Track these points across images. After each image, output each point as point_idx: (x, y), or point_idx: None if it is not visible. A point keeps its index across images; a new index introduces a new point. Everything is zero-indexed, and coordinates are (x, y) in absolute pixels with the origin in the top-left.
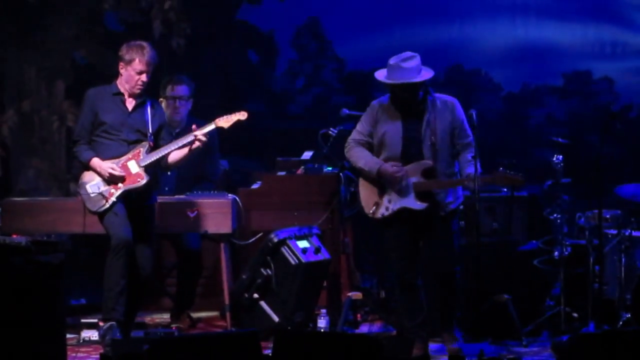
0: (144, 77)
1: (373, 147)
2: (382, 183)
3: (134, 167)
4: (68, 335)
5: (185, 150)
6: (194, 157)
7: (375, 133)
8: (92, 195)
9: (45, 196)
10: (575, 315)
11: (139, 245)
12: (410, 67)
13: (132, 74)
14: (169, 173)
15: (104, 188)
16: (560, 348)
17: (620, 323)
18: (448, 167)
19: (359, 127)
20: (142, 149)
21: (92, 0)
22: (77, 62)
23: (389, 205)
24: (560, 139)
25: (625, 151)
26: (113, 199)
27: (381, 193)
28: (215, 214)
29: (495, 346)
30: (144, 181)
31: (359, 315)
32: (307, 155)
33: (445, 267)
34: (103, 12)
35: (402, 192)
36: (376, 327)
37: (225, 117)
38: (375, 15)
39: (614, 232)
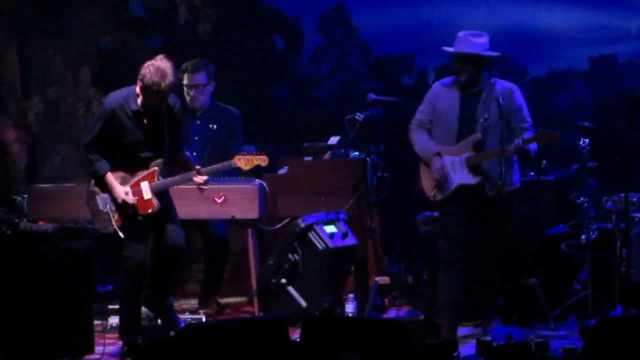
0: (163, 101)
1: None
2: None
3: (146, 191)
4: (95, 322)
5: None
6: (217, 140)
7: (435, 112)
8: (101, 210)
9: (71, 183)
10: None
11: (164, 226)
12: (477, 42)
13: (151, 97)
14: (194, 154)
15: (113, 208)
16: (587, 332)
17: None
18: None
19: (421, 106)
20: (157, 168)
21: None
22: (102, 48)
23: (446, 185)
24: (586, 123)
25: None
26: (118, 226)
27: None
28: (243, 199)
29: (522, 330)
30: (154, 211)
31: (386, 300)
32: (333, 140)
33: (491, 248)
34: None
35: (456, 170)
36: (404, 311)
37: (245, 157)
38: (399, 1)
39: None
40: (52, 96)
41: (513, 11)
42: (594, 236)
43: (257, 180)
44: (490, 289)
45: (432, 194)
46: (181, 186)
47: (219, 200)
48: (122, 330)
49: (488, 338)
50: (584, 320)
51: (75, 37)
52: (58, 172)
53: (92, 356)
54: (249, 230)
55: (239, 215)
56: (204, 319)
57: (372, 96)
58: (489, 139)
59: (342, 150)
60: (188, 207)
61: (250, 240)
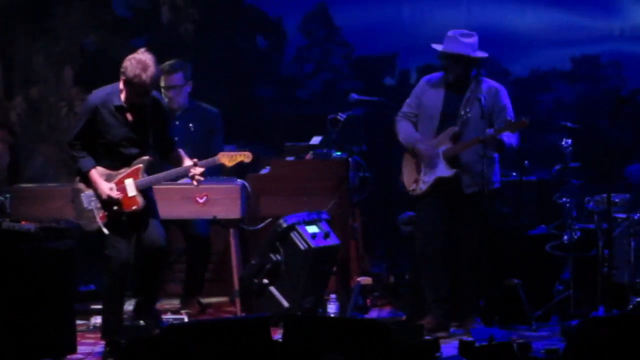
0: (145, 95)
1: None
2: (419, 159)
3: (131, 188)
4: (78, 322)
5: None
6: (198, 139)
7: (421, 104)
8: (85, 208)
9: (54, 182)
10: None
11: (146, 225)
12: (467, 43)
13: (133, 91)
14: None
15: (97, 205)
16: (569, 332)
17: (630, 307)
18: (483, 148)
19: (407, 100)
20: (141, 165)
21: None
22: (86, 48)
23: (424, 178)
24: (569, 124)
25: (633, 135)
26: (103, 224)
27: (418, 169)
28: (225, 199)
29: (505, 330)
30: (139, 209)
31: (368, 301)
32: (315, 140)
33: (470, 246)
34: None
35: (434, 164)
36: (385, 312)
37: (229, 154)
38: (383, 1)
39: (623, 215)
40: (35, 96)
41: (496, 11)
42: (576, 237)
43: (239, 180)
44: (470, 288)
45: (411, 188)
46: (164, 185)
47: (201, 200)
48: (105, 330)
49: (470, 339)
50: (566, 321)
51: (58, 36)
52: (40, 172)
53: (74, 356)
54: (231, 230)
55: (221, 215)
56: (186, 319)
57: (354, 96)
58: (468, 134)
59: (325, 150)
60: (170, 207)
61: (232, 240)
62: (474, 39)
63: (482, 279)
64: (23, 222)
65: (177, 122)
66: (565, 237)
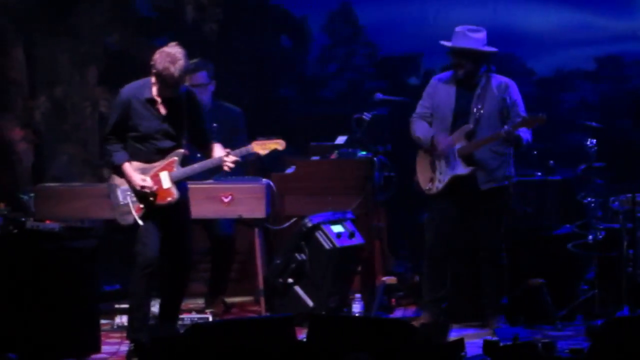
0: (175, 88)
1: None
2: (434, 158)
3: (165, 180)
4: (102, 321)
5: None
6: (221, 138)
7: (432, 106)
8: (121, 203)
9: (78, 182)
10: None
11: (176, 237)
12: (475, 38)
13: (163, 85)
14: (198, 155)
15: (133, 199)
16: (594, 332)
17: None
18: (498, 145)
19: (421, 100)
20: (176, 158)
21: None
22: (109, 48)
23: (440, 177)
24: (593, 123)
25: None
26: (140, 215)
27: (434, 168)
28: (249, 198)
29: (529, 330)
30: (174, 200)
31: (393, 300)
32: (340, 140)
33: (487, 243)
34: None
35: (449, 162)
36: (410, 311)
37: (262, 142)
38: (407, 1)
39: None
40: (59, 95)
41: (521, 11)
42: (600, 236)
43: (264, 179)
44: (490, 285)
45: (427, 187)
46: (188, 185)
47: (226, 200)
48: (130, 327)
49: (495, 338)
50: (590, 321)
51: (82, 36)
52: (64, 172)
53: (98, 355)
54: (256, 230)
55: (246, 214)
56: (210, 319)
57: (379, 96)
58: (481, 131)
59: (349, 150)
60: (195, 207)
61: (257, 240)
62: (482, 34)
63: (501, 276)
64: (47, 222)
65: None
66: (590, 237)
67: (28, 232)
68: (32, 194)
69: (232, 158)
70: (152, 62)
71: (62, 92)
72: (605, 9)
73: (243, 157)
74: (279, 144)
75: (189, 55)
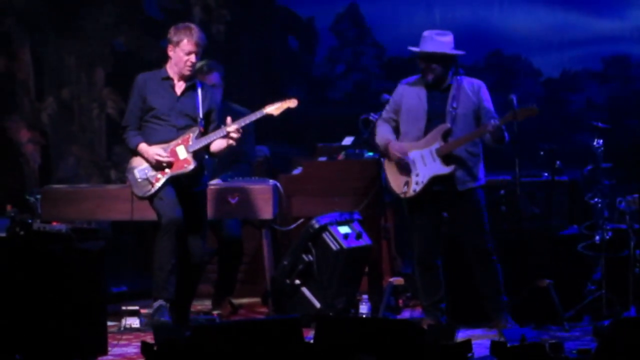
0: (192, 58)
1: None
2: (407, 163)
3: (182, 152)
4: (109, 323)
5: (225, 140)
6: None
7: (401, 109)
8: (139, 180)
9: (85, 183)
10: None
11: (190, 232)
12: (443, 41)
13: (180, 55)
14: (206, 156)
15: (151, 173)
16: (601, 332)
17: None
18: (472, 145)
19: (387, 105)
20: (191, 134)
21: None
22: (117, 49)
23: (417, 179)
24: (600, 124)
25: None
26: (159, 184)
27: (407, 171)
28: (257, 200)
29: (537, 331)
30: (191, 167)
31: (400, 301)
32: (347, 140)
33: (473, 244)
34: None
35: (427, 163)
36: (418, 312)
37: (275, 104)
38: (414, 2)
39: None
40: (66, 97)
41: (526, 12)
42: (608, 237)
43: (271, 180)
44: (489, 287)
45: (403, 191)
46: None
47: (232, 201)
48: (154, 288)
49: (502, 339)
50: (598, 321)
51: (90, 37)
52: (72, 173)
53: (105, 357)
54: (263, 231)
55: (253, 215)
56: (217, 320)
57: (386, 96)
58: (457, 130)
59: (357, 151)
60: None
61: (264, 241)
62: (449, 37)
63: (496, 274)
64: (54, 223)
65: None
66: (597, 238)
67: (35, 234)
68: (39, 196)
69: (233, 127)
70: (168, 38)
71: (69, 93)
72: (612, 10)
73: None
74: (291, 102)
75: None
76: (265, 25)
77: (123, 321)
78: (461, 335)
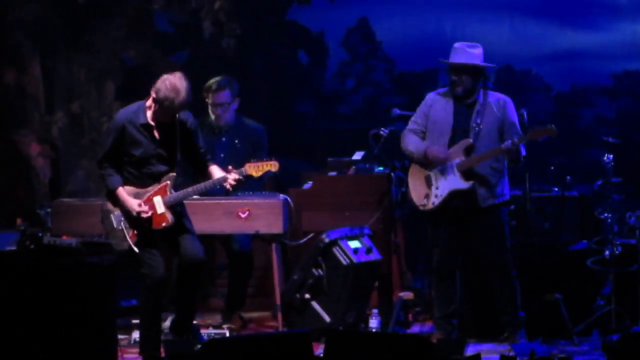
0: (172, 118)
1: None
2: (429, 175)
3: (159, 205)
4: (119, 337)
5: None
6: (243, 155)
7: (428, 122)
8: (116, 228)
9: (95, 197)
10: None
11: (182, 238)
12: (474, 53)
13: (161, 112)
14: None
15: (126, 225)
16: (610, 347)
17: None
18: (496, 161)
19: (413, 117)
20: (169, 182)
21: (142, 1)
22: (126, 63)
23: (437, 192)
24: (610, 139)
25: None
26: (134, 242)
27: (429, 184)
28: (267, 214)
29: (546, 345)
30: (168, 225)
31: (410, 316)
32: (358, 155)
33: (492, 260)
34: (152, 12)
35: (447, 177)
36: (427, 327)
37: (255, 164)
38: (425, 16)
39: None
40: (76, 110)
41: (537, 27)
42: (617, 252)
43: (281, 195)
44: (508, 303)
45: (422, 203)
46: (206, 200)
47: (243, 215)
48: (143, 346)
49: (512, 353)
50: (607, 336)
51: (100, 51)
52: (82, 187)
53: None
54: (273, 245)
55: (263, 229)
56: (227, 334)
57: (396, 111)
58: (480, 146)
59: (367, 165)
60: (212, 222)
61: (274, 255)
62: (480, 50)
63: (514, 290)
64: (64, 237)
65: (223, 139)
66: (607, 252)
67: (45, 248)
68: (49, 209)
69: (234, 176)
70: (154, 88)
71: (79, 107)
72: (622, 26)
73: (243, 176)
74: (272, 165)
75: (208, 70)
76: (275, 40)
77: (133, 334)
78: (471, 350)
